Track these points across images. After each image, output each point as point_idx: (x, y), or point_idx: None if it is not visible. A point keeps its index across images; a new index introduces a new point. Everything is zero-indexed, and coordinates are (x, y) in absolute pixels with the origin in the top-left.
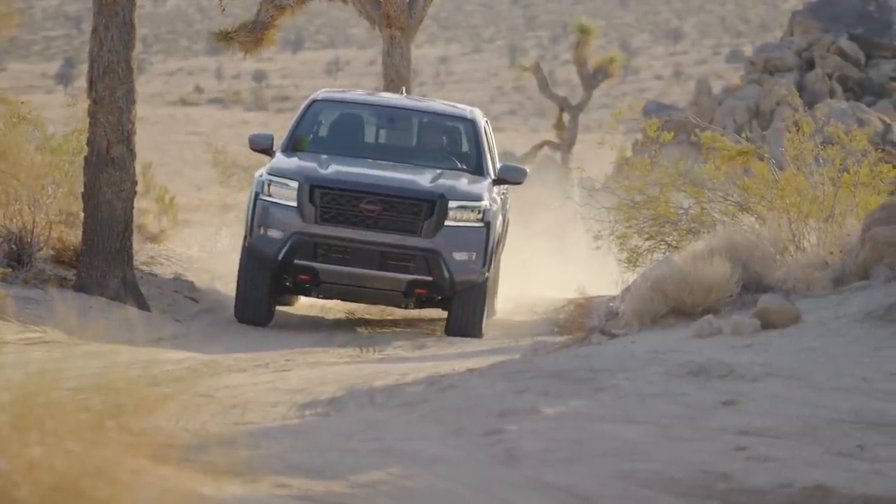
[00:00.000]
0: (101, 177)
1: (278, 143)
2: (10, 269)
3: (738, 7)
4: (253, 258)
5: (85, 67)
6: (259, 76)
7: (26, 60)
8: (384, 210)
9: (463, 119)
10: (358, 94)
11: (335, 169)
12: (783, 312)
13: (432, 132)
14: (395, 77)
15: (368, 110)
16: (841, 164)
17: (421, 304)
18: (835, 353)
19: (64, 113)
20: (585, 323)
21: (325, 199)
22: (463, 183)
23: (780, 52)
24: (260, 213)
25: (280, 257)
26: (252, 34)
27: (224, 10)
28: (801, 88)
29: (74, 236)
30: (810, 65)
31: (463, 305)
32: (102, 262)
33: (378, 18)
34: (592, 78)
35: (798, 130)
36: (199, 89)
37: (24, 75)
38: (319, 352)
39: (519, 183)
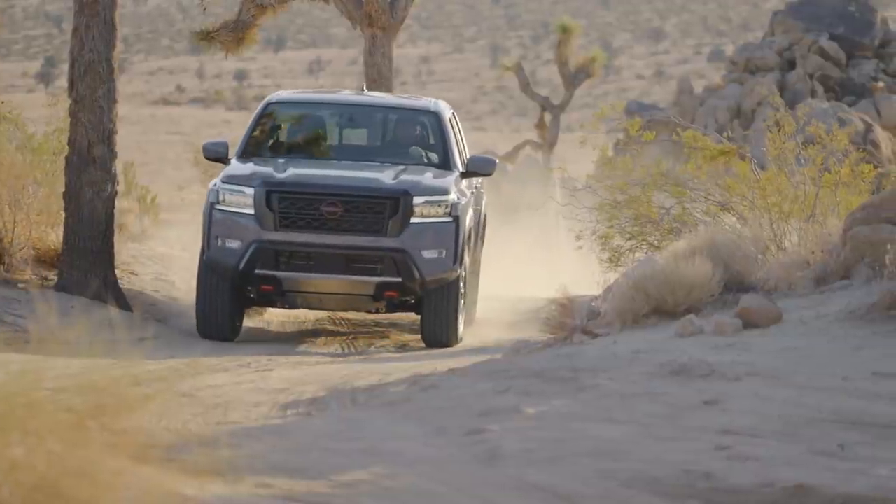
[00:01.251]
0: (83, 176)
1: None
2: None
3: (719, 7)
4: (212, 271)
5: (66, 67)
6: (241, 76)
7: (7, 59)
8: (346, 211)
9: (426, 112)
10: (315, 94)
11: (292, 172)
12: (765, 312)
13: (395, 127)
14: (377, 77)
15: (327, 109)
16: (822, 164)
17: (393, 308)
18: (816, 353)
19: (45, 112)
20: (567, 322)
21: (284, 203)
22: (428, 177)
23: (761, 51)
24: (216, 223)
25: (240, 268)
26: (234, 34)
27: (205, 9)
28: (782, 88)
29: (56, 236)
30: (791, 65)
31: (436, 307)
32: (84, 262)
33: (360, 18)
34: (574, 77)
35: (779, 130)
36: (180, 89)
37: (5, 75)
38: (301, 351)
39: (489, 174)
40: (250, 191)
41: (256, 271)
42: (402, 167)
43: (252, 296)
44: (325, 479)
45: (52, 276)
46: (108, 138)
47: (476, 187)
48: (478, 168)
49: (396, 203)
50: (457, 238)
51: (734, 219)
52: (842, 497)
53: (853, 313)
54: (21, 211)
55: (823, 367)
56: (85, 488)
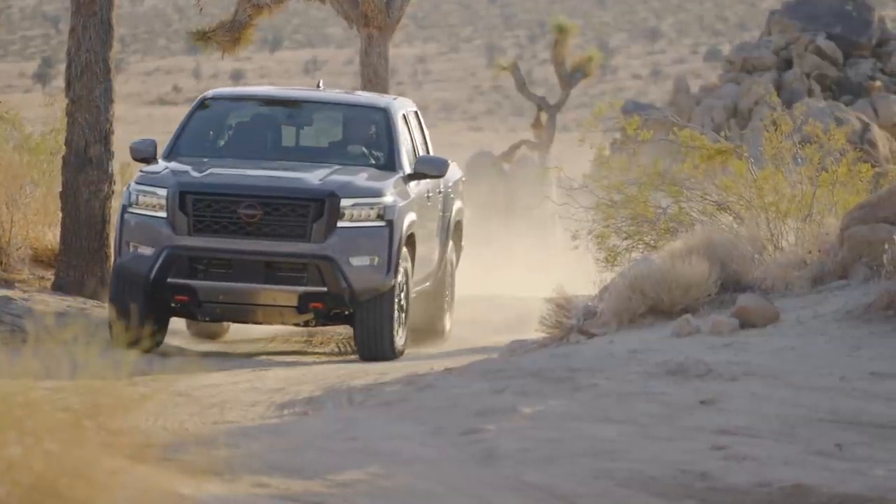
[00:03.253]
0: (80, 176)
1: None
2: None
3: (715, 6)
4: (124, 280)
5: (63, 67)
6: (237, 76)
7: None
8: (266, 214)
9: (374, 109)
10: (255, 90)
11: (211, 172)
12: (762, 312)
13: (338, 126)
14: (373, 76)
15: (266, 106)
16: (819, 164)
17: (327, 321)
18: (813, 353)
19: (42, 112)
20: (564, 322)
21: (198, 206)
22: (361, 178)
23: (758, 51)
24: (127, 227)
25: (152, 276)
26: (230, 34)
27: (202, 9)
28: (779, 87)
29: (53, 236)
30: (788, 64)
31: (368, 320)
32: (81, 261)
33: (356, 18)
34: (570, 77)
35: (776, 129)
36: (177, 89)
37: (2, 75)
38: (297, 351)
39: (439, 176)
40: (163, 192)
41: (169, 280)
42: (336, 167)
43: (174, 306)
44: (322, 478)
45: (50, 275)
46: (104, 138)
47: (441, 191)
48: (426, 169)
49: (321, 205)
50: (391, 244)
51: (731, 218)
52: (839, 497)
53: (850, 313)
54: (18, 211)
55: (821, 367)
56: (82, 488)
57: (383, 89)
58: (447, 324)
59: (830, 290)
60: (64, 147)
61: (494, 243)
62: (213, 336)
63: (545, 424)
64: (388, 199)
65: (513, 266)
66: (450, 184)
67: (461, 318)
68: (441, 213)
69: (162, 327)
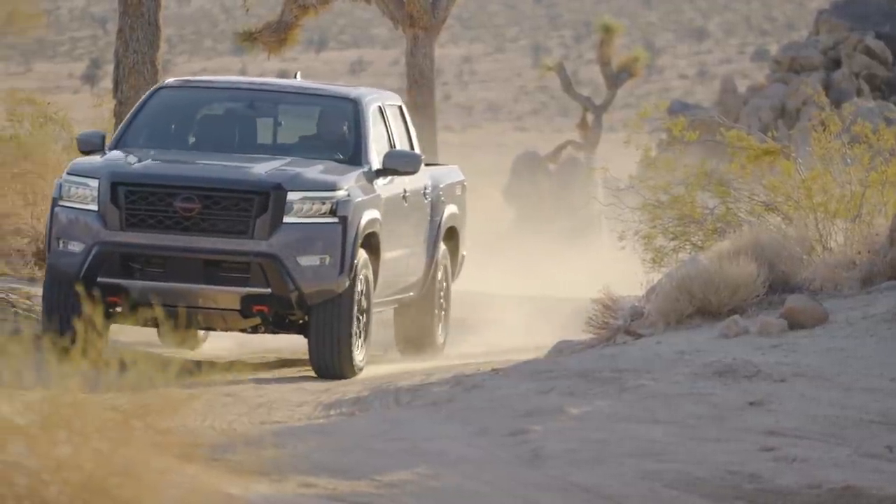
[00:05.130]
0: None
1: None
2: (38, 269)
3: (763, 6)
4: (55, 281)
5: (111, 68)
6: (283, 76)
7: (53, 61)
8: (205, 208)
9: (343, 100)
10: (214, 79)
11: (147, 162)
12: (811, 312)
13: (302, 117)
14: (419, 77)
15: (224, 96)
16: (869, 164)
17: (279, 328)
18: (863, 354)
19: (90, 113)
20: (611, 323)
21: (131, 198)
22: (314, 171)
23: (806, 50)
24: (58, 222)
25: (81, 275)
26: (276, 34)
27: (248, 10)
28: (827, 87)
29: None
30: (837, 64)
31: (323, 327)
32: None
33: (401, 18)
34: (616, 77)
35: (825, 129)
36: None
37: (51, 76)
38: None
39: (411, 172)
40: (94, 183)
41: (100, 279)
42: (290, 160)
43: (109, 309)
44: (369, 478)
45: None
46: None
47: (427, 193)
48: (396, 165)
49: (265, 199)
50: (343, 242)
51: (779, 219)
52: (890, 499)
53: None
54: None
55: (870, 369)
56: (131, 487)
57: (429, 90)
58: (440, 337)
59: (880, 290)
60: None
61: (539, 244)
62: (187, 344)
63: (592, 425)
64: (342, 193)
65: (557, 267)
66: (441, 186)
67: (504, 319)
68: (428, 217)
69: (101, 334)
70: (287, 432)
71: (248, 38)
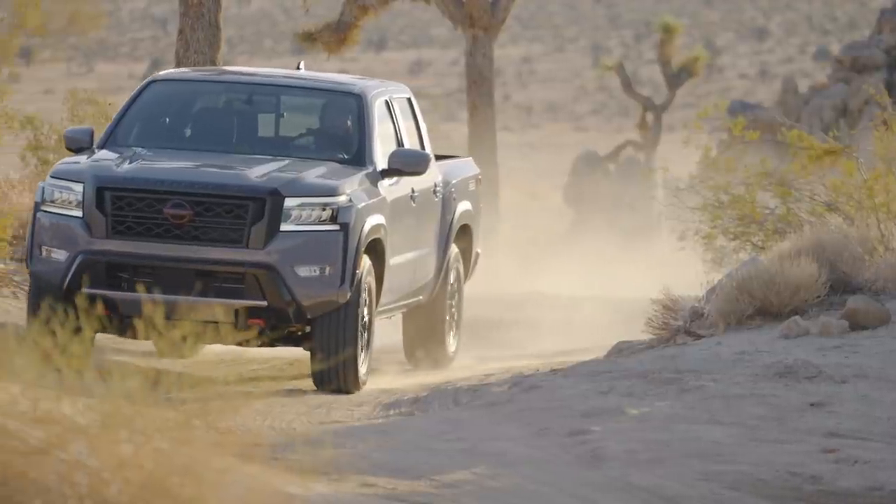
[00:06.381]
0: None
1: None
2: None
3: (825, 5)
4: (38, 290)
5: (171, 68)
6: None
7: (114, 61)
8: (197, 215)
9: (345, 94)
10: (207, 72)
11: (136, 165)
12: (873, 313)
13: (304, 113)
14: (478, 77)
15: (219, 91)
16: None
17: (278, 341)
18: None
19: None
20: (671, 323)
21: (118, 204)
22: (313, 174)
23: (868, 50)
24: (40, 228)
25: (65, 286)
26: (335, 34)
27: (308, 10)
28: (889, 87)
29: None
30: None
31: (325, 340)
32: None
33: (461, 19)
34: (676, 77)
35: (887, 129)
36: None
37: (112, 76)
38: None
39: (418, 173)
40: (79, 188)
41: (84, 290)
42: (289, 161)
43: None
44: (428, 478)
45: None
46: None
47: (438, 190)
48: (402, 165)
49: (262, 205)
50: (345, 251)
51: (840, 219)
52: None
53: None
54: None
55: None
56: (191, 486)
57: (488, 90)
58: (451, 346)
59: None
60: None
61: (599, 244)
62: (182, 355)
63: (652, 426)
64: (343, 198)
65: (617, 267)
66: (453, 182)
67: (567, 318)
68: (438, 216)
69: (86, 344)
70: (346, 432)
71: (308, 39)
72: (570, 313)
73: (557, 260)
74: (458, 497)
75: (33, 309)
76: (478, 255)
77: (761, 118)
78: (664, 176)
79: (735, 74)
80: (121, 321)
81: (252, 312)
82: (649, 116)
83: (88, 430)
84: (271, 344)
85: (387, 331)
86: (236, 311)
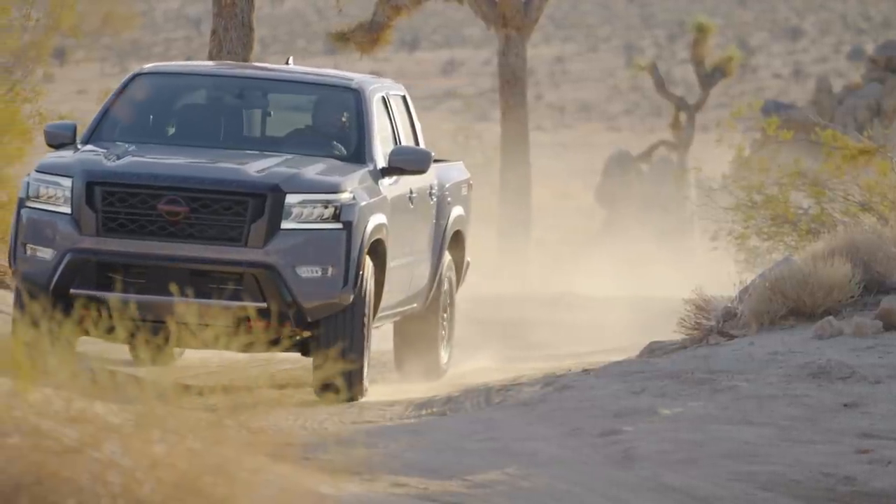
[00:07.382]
0: None
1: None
2: None
3: (859, 4)
4: (25, 291)
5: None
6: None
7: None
8: (192, 212)
9: (343, 90)
10: (199, 64)
11: (127, 159)
12: None
13: (299, 109)
14: (511, 77)
15: (209, 85)
16: None
17: (274, 344)
18: None
19: None
20: (703, 323)
21: (109, 200)
22: (313, 170)
23: None
24: (25, 225)
25: (52, 286)
26: (368, 34)
27: (341, 10)
28: None
29: None
30: None
31: (329, 344)
32: None
33: (494, 18)
34: (710, 77)
35: None
36: None
37: None
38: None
39: (419, 171)
40: (67, 182)
41: (73, 290)
42: (287, 157)
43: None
44: (460, 478)
45: None
46: None
47: (433, 193)
48: (403, 163)
49: (261, 202)
50: (349, 251)
51: (874, 219)
52: None
53: None
54: None
55: None
56: (224, 486)
57: (521, 90)
58: (443, 357)
59: None
60: None
61: (631, 244)
62: (160, 361)
63: (684, 426)
64: (346, 195)
65: (649, 266)
66: (447, 185)
67: (599, 318)
68: (433, 220)
69: (72, 347)
70: (378, 432)
71: (341, 39)
72: (602, 313)
73: (589, 260)
74: (489, 497)
75: (20, 309)
76: (468, 263)
77: (795, 118)
78: (697, 176)
79: (769, 74)
80: (110, 324)
81: (251, 315)
82: (682, 116)
83: (122, 429)
84: (269, 349)
85: (373, 339)
86: (234, 313)
